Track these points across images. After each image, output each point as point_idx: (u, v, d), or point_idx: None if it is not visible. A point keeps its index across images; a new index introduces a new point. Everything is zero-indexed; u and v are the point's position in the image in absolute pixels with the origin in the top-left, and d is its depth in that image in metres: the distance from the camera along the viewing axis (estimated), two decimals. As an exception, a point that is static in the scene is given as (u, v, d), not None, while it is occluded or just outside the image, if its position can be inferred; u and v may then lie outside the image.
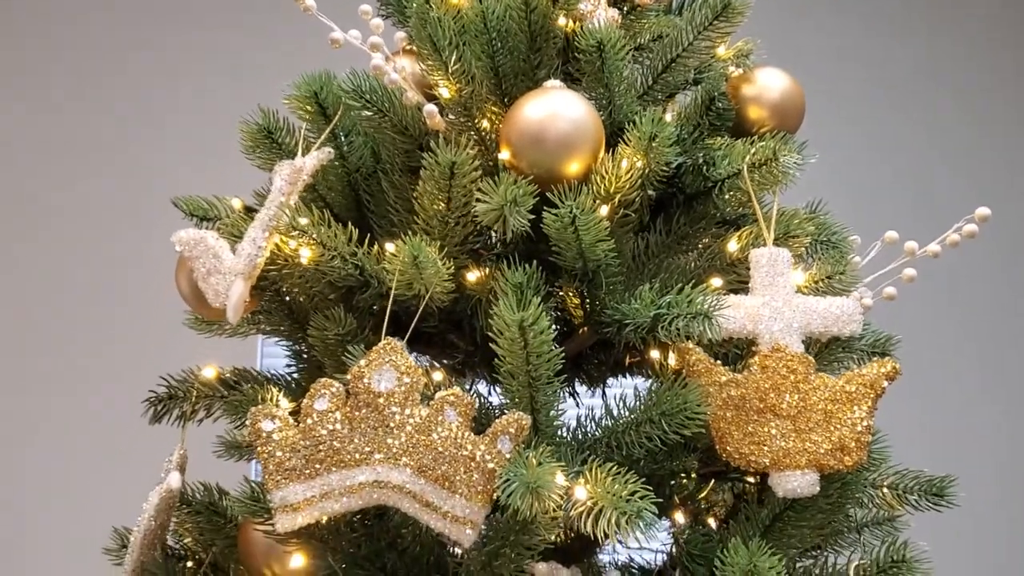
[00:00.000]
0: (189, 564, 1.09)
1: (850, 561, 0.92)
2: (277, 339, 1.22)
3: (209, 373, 1.12)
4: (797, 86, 1.19)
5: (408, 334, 0.92)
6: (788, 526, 0.93)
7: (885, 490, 1.09)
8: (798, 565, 0.96)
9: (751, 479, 1.04)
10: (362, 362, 0.89)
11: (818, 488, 0.90)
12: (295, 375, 1.17)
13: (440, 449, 0.86)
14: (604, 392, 1.13)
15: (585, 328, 1.07)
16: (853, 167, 2.61)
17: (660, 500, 0.82)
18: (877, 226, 1.17)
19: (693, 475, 0.98)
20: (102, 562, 1.11)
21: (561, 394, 1.03)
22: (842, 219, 1.19)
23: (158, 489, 1.02)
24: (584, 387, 1.19)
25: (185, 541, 1.11)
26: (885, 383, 0.91)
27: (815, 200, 1.18)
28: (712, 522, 0.98)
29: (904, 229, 1.11)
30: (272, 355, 1.28)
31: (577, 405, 1.14)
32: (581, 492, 0.83)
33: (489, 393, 1.11)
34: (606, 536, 0.81)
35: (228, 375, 1.14)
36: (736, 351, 1.06)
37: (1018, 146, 2.78)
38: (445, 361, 1.16)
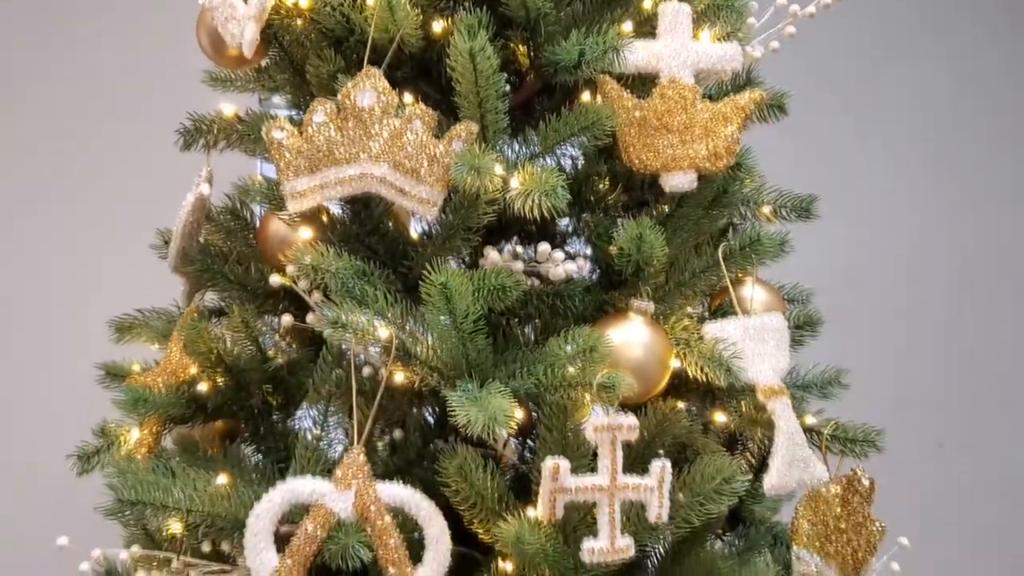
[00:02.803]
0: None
1: (719, 246, 1.21)
2: (280, 90, 1.47)
3: (228, 110, 1.38)
4: None
5: (384, 66, 1.17)
6: (678, 218, 1.23)
7: (765, 208, 1.38)
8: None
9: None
10: (349, 84, 1.15)
11: (695, 185, 1.19)
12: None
13: (410, 149, 1.13)
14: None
15: (531, 75, 1.32)
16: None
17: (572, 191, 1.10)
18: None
19: (606, 180, 1.26)
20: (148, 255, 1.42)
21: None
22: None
23: (192, 192, 1.30)
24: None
25: (214, 247, 1.40)
26: (752, 106, 1.18)
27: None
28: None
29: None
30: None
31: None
32: (515, 181, 1.11)
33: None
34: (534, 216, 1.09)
35: (243, 114, 1.40)
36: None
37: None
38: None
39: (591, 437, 1.05)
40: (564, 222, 1.40)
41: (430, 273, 1.04)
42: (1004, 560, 2.69)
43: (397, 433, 1.32)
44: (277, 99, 1.51)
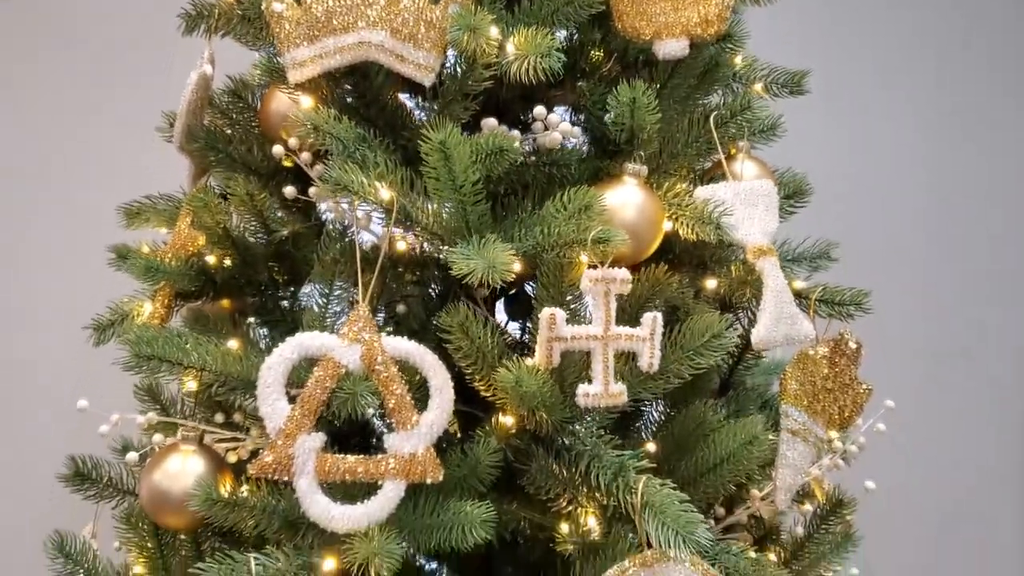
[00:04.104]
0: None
1: (710, 114, 1.24)
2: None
3: (228, -8, 1.39)
4: None
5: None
6: (671, 89, 1.25)
7: (757, 84, 1.41)
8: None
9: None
10: (346, -47, 1.17)
11: (687, 52, 1.21)
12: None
13: (406, 15, 1.16)
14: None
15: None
16: None
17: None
18: None
19: (600, 49, 1.28)
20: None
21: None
22: None
23: (195, 72, 1.33)
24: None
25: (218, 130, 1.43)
26: (744, -28, 1.20)
27: None
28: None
29: None
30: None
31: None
32: (511, 47, 1.14)
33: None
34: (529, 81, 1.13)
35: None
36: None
37: None
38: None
39: (586, 288, 1.09)
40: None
41: (428, 133, 1.07)
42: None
43: (400, 307, 1.37)
44: None
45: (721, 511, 1.37)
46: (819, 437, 1.27)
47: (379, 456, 1.10)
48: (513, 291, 1.47)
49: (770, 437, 1.24)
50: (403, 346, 1.12)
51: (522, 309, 1.47)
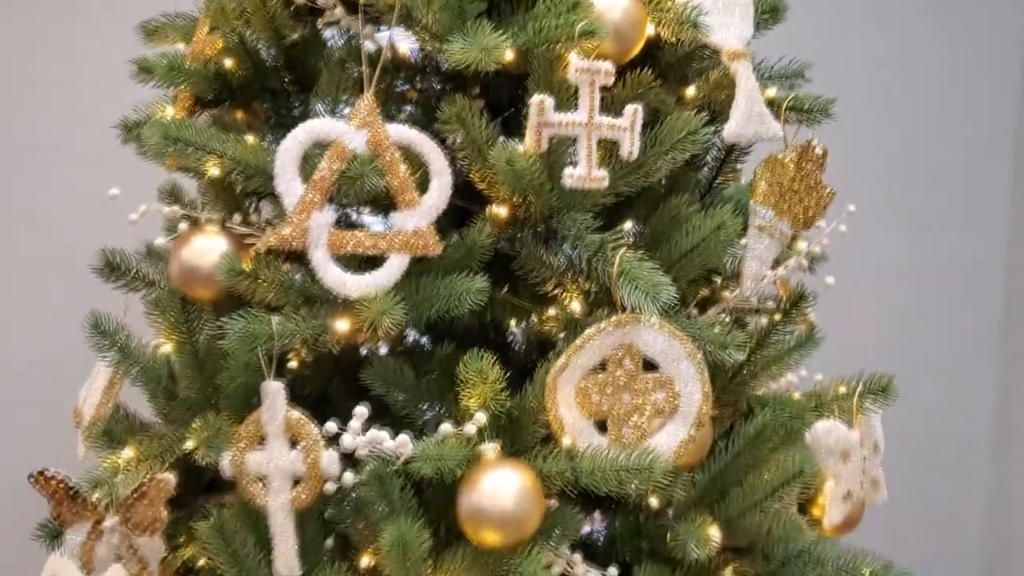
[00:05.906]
0: None
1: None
2: None
3: None
4: None
5: None
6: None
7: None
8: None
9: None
10: None
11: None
12: None
13: None
14: None
15: None
16: None
17: None
18: None
19: None
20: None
21: None
22: None
23: None
24: None
25: None
26: None
27: None
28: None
29: None
30: None
31: None
32: None
33: None
34: None
35: None
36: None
37: None
38: None
39: (573, 78, 1.20)
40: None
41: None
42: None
43: (402, 116, 1.47)
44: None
45: (695, 311, 1.51)
46: (784, 233, 1.40)
47: (385, 231, 1.22)
48: (511, 110, 1.58)
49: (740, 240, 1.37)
50: (405, 132, 1.23)
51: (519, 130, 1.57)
